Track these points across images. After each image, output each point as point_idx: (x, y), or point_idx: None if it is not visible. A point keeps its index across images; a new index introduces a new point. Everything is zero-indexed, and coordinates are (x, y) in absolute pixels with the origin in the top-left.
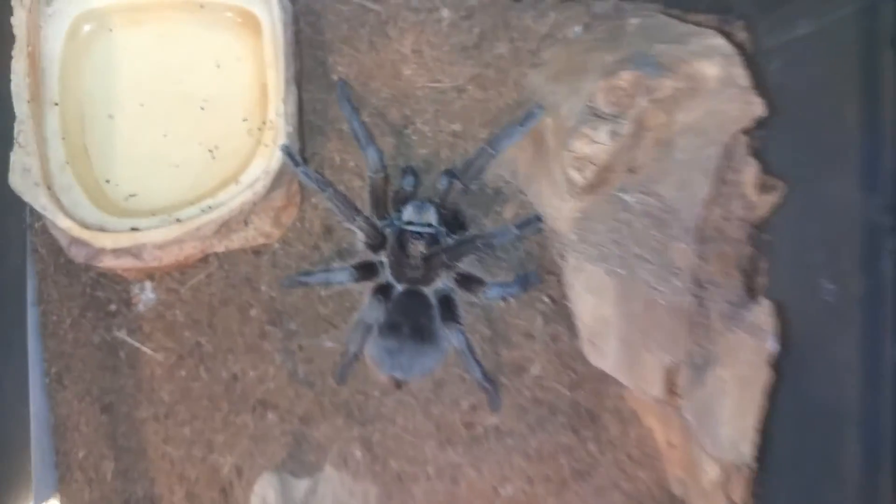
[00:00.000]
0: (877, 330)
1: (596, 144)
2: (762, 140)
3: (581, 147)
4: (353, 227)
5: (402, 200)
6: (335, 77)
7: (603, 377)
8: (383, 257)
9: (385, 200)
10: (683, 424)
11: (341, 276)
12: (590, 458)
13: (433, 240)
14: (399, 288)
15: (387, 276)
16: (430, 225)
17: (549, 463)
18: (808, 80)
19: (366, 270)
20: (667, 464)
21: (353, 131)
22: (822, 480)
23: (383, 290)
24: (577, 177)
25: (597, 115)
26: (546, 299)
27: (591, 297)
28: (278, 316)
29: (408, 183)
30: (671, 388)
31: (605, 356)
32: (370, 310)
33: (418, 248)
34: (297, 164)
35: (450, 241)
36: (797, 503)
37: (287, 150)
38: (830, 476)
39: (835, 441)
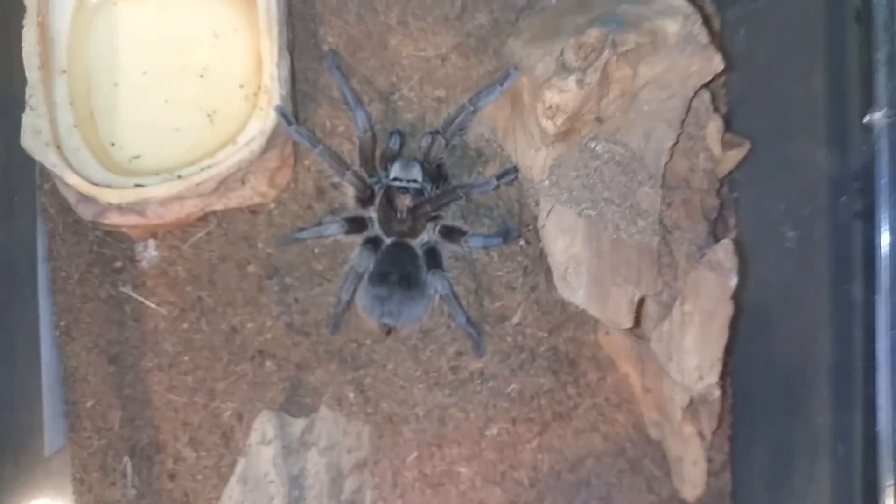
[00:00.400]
0: (834, 270)
1: (565, 93)
2: (729, 103)
3: (552, 97)
4: (343, 182)
5: (388, 159)
6: (325, 47)
7: (580, 325)
8: (372, 212)
9: (373, 159)
10: (658, 370)
11: (333, 228)
12: (569, 402)
13: (418, 194)
14: (387, 241)
15: (375, 229)
16: (415, 180)
17: (530, 405)
18: (773, 50)
19: (356, 224)
20: (643, 408)
21: (343, 96)
22: (790, 413)
23: (373, 243)
24: (549, 125)
25: (566, 69)
26: (526, 253)
27: (563, 236)
28: (275, 271)
29: (394, 143)
30: (639, 320)
31: (576, 291)
32: (361, 259)
33: (404, 201)
34: (289, 122)
35: (434, 193)
36: (766, 439)
37: (280, 110)
38: (796, 408)
39: (800, 375)
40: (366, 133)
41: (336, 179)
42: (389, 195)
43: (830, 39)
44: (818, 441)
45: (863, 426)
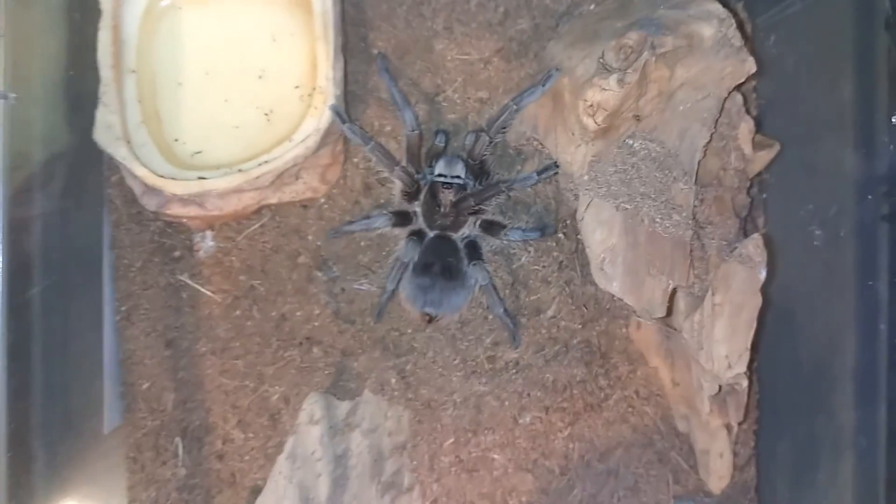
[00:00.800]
0: (860, 269)
1: (606, 91)
2: (760, 106)
3: (593, 95)
4: (392, 177)
5: (434, 156)
6: (375, 51)
7: (612, 319)
8: (416, 207)
9: (419, 156)
10: (686, 364)
11: (380, 221)
12: (600, 393)
13: (461, 189)
14: (430, 234)
15: (420, 223)
16: (458, 177)
17: (563, 395)
18: (803, 55)
19: (401, 218)
20: (671, 401)
21: (391, 96)
22: (815, 409)
23: (417, 235)
24: (590, 122)
25: (607, 69)
26: (561, 249)
27: (601, 228)
28: (323, 262)
29: (439, 140)
30: (670, 311)
31: (612, 280)
32: (407, 249)
33: (448, 196)
34: (343, 120)
35: (477, 189)
36: (791, 434)
37: (335, 109)
38: (821, 404)
39: (825, 371)
40: (413, 131)
41: (384, 175)
42: (434, 190)
43: (859, 45)
44: (842, 437)
45: (887, 422)
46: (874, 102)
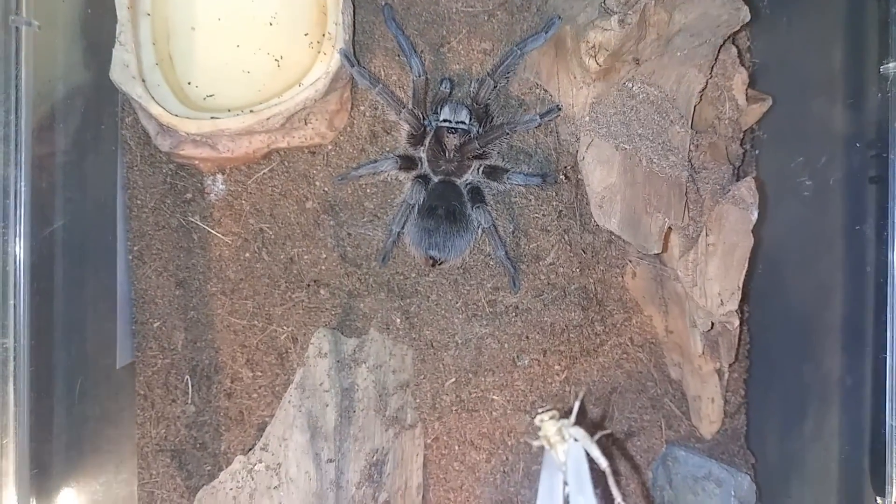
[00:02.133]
0: (848, 215)
1: (608, 32)
2: (754, 63)
3: (595, 36)
4: (399, 120)
5: (439, 102)
6: (382, 2)
7: (609, 268)
8: (422, 152)
9: (425, 102)
10: (680, 312)
11: (387, 164)
12: (596, 339)
13: (465, 134)
14: (435, 179)
15: (425, 168)
16: (462, 122)
17: (560, 338)
18: (796, 11)
19: (407, 161)
20: (665, 349)
21: (398, 44)
22: (804, 358)
23: (422, 180)
24: (591, 63)
25: (608, 12)
26: (560, 198)
27: (601, 167)
28: (331, 207)
29: (444, 87)
30: (667, 247)
31: (611, 218)
32: (412, 192)
33: (453, 141)
34: (352, 64)
35: (481, 132)
36: (781, 383)
37: (344, 53)
38: (810, 352)
39: (814, 319)
40: (419, 77)
41: (390, 122)
42: (439, 135)
43: (850, 5)
44: (829, 385)
45: (872, 368)
46: (864, 56)
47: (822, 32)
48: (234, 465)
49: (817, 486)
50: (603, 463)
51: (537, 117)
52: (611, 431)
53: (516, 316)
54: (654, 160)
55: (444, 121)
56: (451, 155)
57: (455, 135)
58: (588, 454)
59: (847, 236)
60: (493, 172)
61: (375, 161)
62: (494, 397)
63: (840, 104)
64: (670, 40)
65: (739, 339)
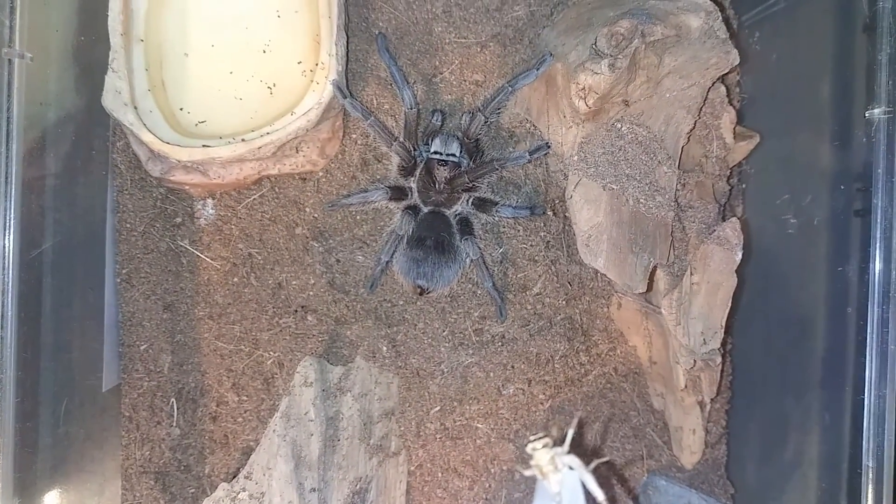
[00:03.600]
0: (832, 256)
1: (598, 75)
2: (742, 100)
3: (585, 79)
4: (390, 151)
5: (430, 134)
6: (376, 31)
7: (595, 298)
8: (412, 183)
9: (416, 133)
10: (664, 343)
11: (376, 194)
12: (581, 368)
13: (456, 167)
14: (425, 209)
15: (415, 198)
16: (453, 154)
17: (545, 368)
18: (785, 52)
19: (397, 192)
20: (648, 379)
21: (391, 75)
22: (784, 391)
23: (412, 210)
24: (581, 105)
25: (599, 55)
26: (548, 229)
27: (588, 206)
28: (320, 234)
29: (436, 119)
30: (651, 287)
31: (597, 256)
32: (402, 222)
33: (443, 173)
34: (344, 95)
35: (471, 166)
36: (761, 414)
37: (336, 84)
38: (790, 386)
39: (795, 354)
40: (411, 109)
41: (381, 151)
42: (429, 167)
43: (839, 45)
44: (809, 417)
45: (851, 403)
46: (851, 99)
47: (811, 74)
48: (217, 492)
49: None
50: (600, 495)
51: (526, 154)
52: (609, 459)
53: (502, 345)
54: (641, 200)
55: (435, 153)
56: (441, 186)
57: (445, 167)
58: (583, 485)
59: (830, 276)
60: (482, 204)
61: (366, 191)
62: (479, 425)
63: (827, 144)
64: (660, 82)
65: (722, 373)
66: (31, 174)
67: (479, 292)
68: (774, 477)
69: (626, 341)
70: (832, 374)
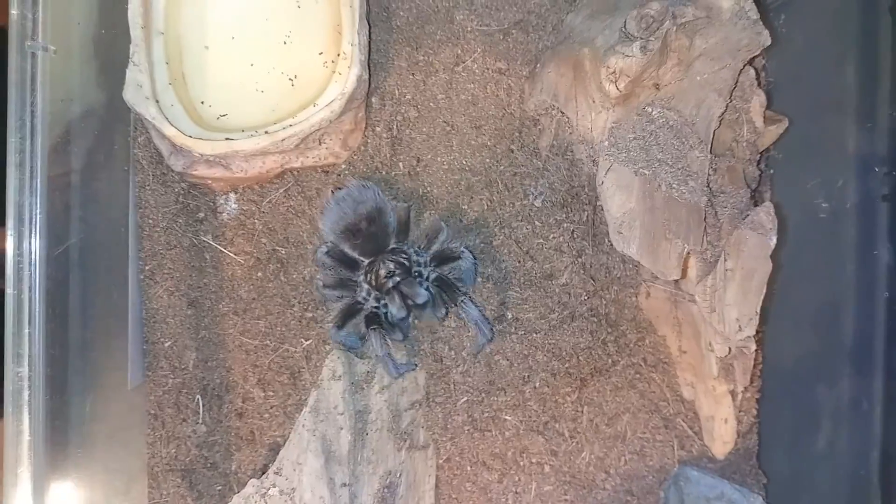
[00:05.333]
0: (864, 239)
1: (629, 58)
2: (770, 84)
3: (616, 62)
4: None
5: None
6: (397, 22)
7: (623, 288)
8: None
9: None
10: (694, 332)
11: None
12: (608, 359)
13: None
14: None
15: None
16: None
17: (571, 360)
18: (811, 35)
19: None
20: (678, 369)
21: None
22: (816, 378)
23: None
24: (611, 88)
25: (629, 38)
26: (573, 220)
27: (620, 192)
28: None
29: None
30: (685, 273)
31: (630, 243)
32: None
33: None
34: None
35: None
36: (793, 403)
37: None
38: (823, 373)
39: (827, 340)
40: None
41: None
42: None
43: (865, 27)
44: (841, 406)
45: (884, 390)
46: (878, 82)
47: (838, 56)
48: (247, 488)
49: None
50: None
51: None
52: None
53: (524, 334)
54: (674, 185)
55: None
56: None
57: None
58: None
59: (861, 260)
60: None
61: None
62: (507, 417)
63: (855, 128)
64: (691, 65)
65: (754, 362)
66: (56, 170)
67: (490, 284)
68: (807, 466)
69: (655, 331)
70: (864, 361)
